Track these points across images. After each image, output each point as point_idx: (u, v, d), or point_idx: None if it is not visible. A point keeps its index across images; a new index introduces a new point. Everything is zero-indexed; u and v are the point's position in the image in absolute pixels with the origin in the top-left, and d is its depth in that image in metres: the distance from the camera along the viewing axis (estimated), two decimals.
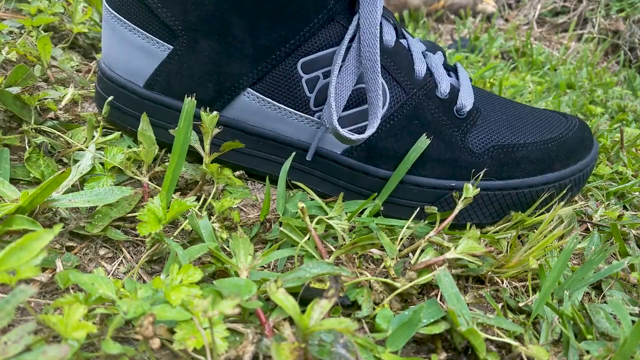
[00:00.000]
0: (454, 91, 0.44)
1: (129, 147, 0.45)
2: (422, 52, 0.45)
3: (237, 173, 0.44)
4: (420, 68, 0.43)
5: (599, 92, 1.08)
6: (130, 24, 0.41)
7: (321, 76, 0.41)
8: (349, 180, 0.44)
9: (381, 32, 0.42)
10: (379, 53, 0.39)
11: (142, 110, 0.43)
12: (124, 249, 0.36)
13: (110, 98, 0.45)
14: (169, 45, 0.41)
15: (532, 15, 1.79)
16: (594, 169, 0.57)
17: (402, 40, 0.44)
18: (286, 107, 0.42)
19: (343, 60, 0.40)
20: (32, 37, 0.60)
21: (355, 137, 0.39)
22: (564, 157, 0.45)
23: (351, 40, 0.40)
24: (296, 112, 0.42)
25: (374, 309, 0.33)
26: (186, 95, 0.37)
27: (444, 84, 0.43)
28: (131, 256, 0.36)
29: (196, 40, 0.40)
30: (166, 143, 0.44)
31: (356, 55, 0.40)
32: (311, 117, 0.42)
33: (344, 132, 0.39)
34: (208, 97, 0.42)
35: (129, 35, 0.42)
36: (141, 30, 0.41)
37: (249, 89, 0.42)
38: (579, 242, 0.46)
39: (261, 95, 0.42)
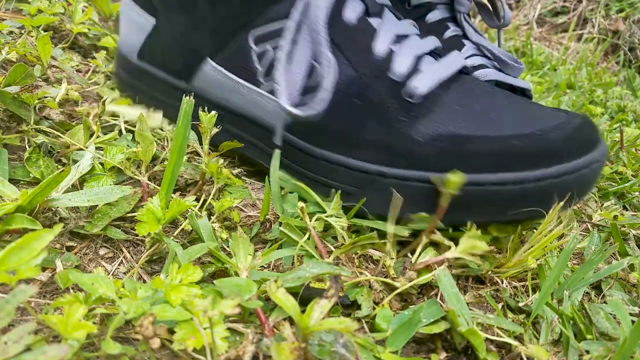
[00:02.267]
0: (411, 74, 0.40)
1: (128, 146, 0.45)
2: (399, 35, 0.42)
3: (236, 172, 0.44)
4: (380, 48, 0.41)
5: (599, 92, 1.09)
6: (131, 1, 0.48)
7: (271, 49, 0.42)
8: (299, 163, 0.43)
9: (343, 8, 0.41)
10: (325, 29, 0.37)
11: (138, 79, 0.51)
12: (124, 249, 0.36)
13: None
14: (153, 19, 0.47)
15: (532, 16, 1.79)
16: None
17: (373, 19, 0.42)
18: (238, 79, 0.44)
19: (294, 35, 0.39)
20: (32, 37, 0.60)
21: (298, 111, 0.38)
22: (533, 157, 0.37)
23: (303, 15, 0.39)
24: (246, 83, 0.44)
25: (373, 308, 0.33)
26: (184, 95, 0.37)
27: (402, 67, 0.40)
28: (131, 256, 0.36)
29: (170, 14, 0.45)
30: (156, 108, 0.50)
31: (306, 30, 0.39)
32: (257, 89, 0.43)
33: (289, 106, 0.38)
34: (179, 67, 0.47)
35: (129, 12, 0.49)
36: (136, 7, 0.48)
37: (209, 61, 0.45)
38: (579, 242, 0.46)
39: (219, 67, 0.45)
